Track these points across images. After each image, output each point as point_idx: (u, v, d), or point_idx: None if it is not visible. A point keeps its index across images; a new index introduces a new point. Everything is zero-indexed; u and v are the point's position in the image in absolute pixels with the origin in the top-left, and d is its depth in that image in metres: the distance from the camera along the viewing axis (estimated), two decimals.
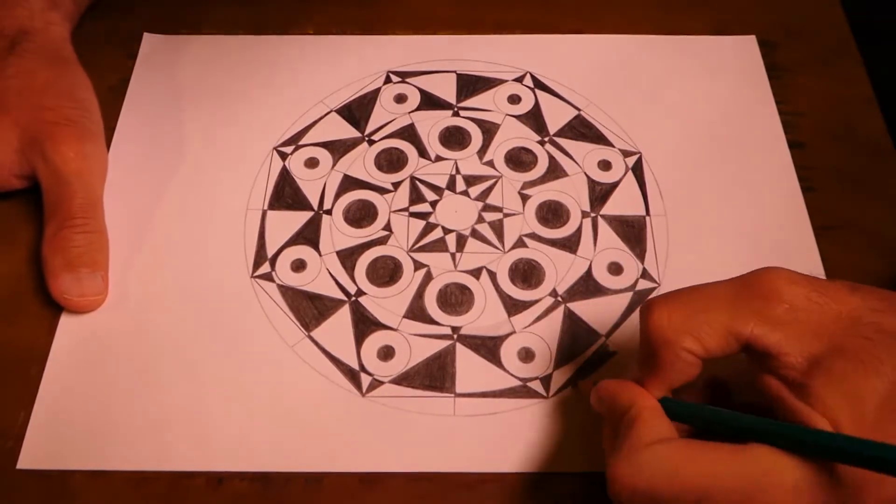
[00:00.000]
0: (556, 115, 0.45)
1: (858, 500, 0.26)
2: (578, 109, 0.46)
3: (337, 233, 0.41)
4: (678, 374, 0.30)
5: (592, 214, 0.42)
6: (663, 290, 0.39)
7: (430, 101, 0.46)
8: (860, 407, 0.26)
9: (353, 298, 0.39)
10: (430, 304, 0.39)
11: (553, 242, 0.41)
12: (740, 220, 0.41)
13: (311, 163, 0.44)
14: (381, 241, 0.41)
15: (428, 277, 0.40)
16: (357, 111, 0.46)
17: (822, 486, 0.26)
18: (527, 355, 0.38)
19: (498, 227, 0.41)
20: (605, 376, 0.37)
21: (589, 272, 0.40)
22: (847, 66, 0.47)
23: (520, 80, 0.47)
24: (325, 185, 0.43)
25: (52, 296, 0.38)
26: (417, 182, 0.43)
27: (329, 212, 0.42)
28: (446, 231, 0.41)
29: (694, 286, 0.30)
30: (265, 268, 0.40)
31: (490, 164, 0.44)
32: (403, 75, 0.47)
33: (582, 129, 0.45)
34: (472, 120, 0.45)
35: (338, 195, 0.43)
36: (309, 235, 0.41)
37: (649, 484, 0.27)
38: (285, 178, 0.43)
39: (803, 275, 0.29)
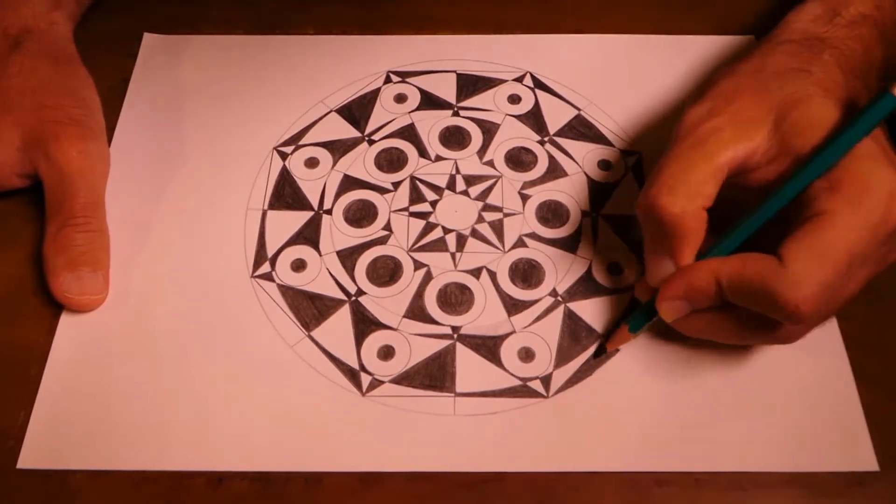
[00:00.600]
0: (556, 115, 0.45)
1: None
2: (578, 109, 0.46)
3: (337, 232, 0.41)
4: (701, 234, 0.33)
5: (592, 214, 0.42)
6: None
7: (430, 101, 0.46)
8: (824, 116, 0.32)
9: (353, 298, 0.39)
10: (430, 304, 0.39)
11: (553, 242, 0.41)
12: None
13: (312, 163, 0.44)
14: (381, 241, 0.41)
15: (428, 277, 0.40)
16: (357, 111, 0.46)
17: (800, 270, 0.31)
18: (527, 355, 0.38)
19: (498, 227, 0.41)
20: (605, 376, 0.37)
21: (589, 272, 0.40)
22: None
23: (520, 79, 0.47)
24: (325, 184, 0.43)
25: (53, 294, 0.38)
26: (417, 182, 0.43)
27: (329, 211, 0.42)
28: (446, 231, 0.41)
29: (664, 163, 0.34)
30: (265, 267, 0.40)
31: (490, 163, 0.44)
32: (403, 75, 0.47)
33: (582, 129, 0.45)
34: (473, 120, 0.45)
35: (338, 195, 0.43)
36: (309, 235, 0.41)
37: (828, 277, 0.30)
38: (285, 178, 0.43)
39: (702, 99, 0.35)
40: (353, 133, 0.45)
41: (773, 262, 0.31)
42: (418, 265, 0.40)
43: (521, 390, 0.37)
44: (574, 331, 0.38)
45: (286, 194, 0.43)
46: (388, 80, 0.47)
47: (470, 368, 0.37)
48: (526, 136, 0.45)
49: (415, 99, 0.46)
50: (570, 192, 0.43)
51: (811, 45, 0.36)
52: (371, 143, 0.45)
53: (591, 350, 0.38)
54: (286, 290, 0.39)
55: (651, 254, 0.35)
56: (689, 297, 0.33)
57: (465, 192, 0.43)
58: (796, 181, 0.32)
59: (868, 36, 0.37)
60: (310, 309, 0.39)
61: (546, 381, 0.37)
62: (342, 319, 0.39)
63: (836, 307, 0.33)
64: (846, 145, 0.31)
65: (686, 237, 0.33)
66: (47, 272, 0.38)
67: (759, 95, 0.34)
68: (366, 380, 0.37)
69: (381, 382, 0.37)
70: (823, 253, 0.30)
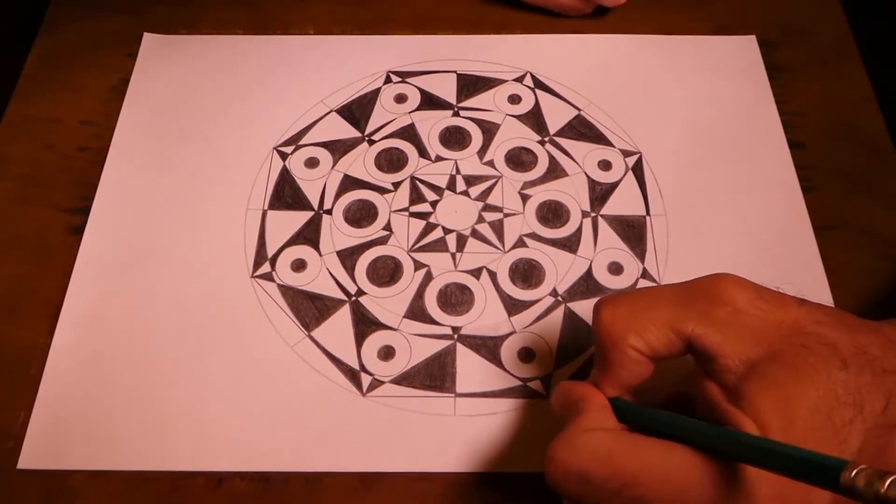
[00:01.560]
0: (557, 115, 0.45)
1: (749, 499, 0.26)
2: (578, 109, 0.46)
3: (337, 233, 0.41)
4: (628, 373, 0.30)
5: (592, 214, 0.42)
6: None
7: (430, 101, 0.46)
8: (790, 413, 0.26)
9: (354, 298, 0.39)
10: (431, 304, 0.39)
11: (553, 242, 0.41)
12: (740, 220, 0.41)
13: (312, 163, 0.44)
14: (382, 241, 0.41)
15: (428, 277, 0.40)
16: (357, 111, 0.46)
17: (721, 486, 0.26)
18: (527, 355, 0.38)
19: (498, 227, 0.41)
20: None
21: (589, 272, 0.40)
22: (847, 66, 0.47)
23: (520, 80, 0.47)
24: (325, 184, 0.43)
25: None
26: (417, 182, 0.43)
27: (329, 212, 0.42)
28: (446, 231, 0.41)
29: (645, 287, 0.31)
30: (265, 268, 0.40)
31: (490, 164, 0.44)
32: (403, 75, 0.47)
33: (582, 129, 0.45)
34: (473, 120, 0.45)
35: (338, 195, 0.43)
36: (309, 235, 0.41)
37: (582, 465, 0.27)
38: (285, 178, 0.43)
39: (752, 282, 0.29)
40: (353, 133, 0.45)
41: (594, 423, 0.29)
42: (418, 265, 0.40)
43: (522, 390, 0.37)
44: (574, 331, 0.38)
45: (286, 194, 0.43)
46: (388, 80, 0.47)
47: (470, 369, 0.37)
48: (526, 136, 0.45)
49: (415, 99, 0.46)
50: (570, 192, 0.43)
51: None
52: (371, 143, 0.45)
53: (592, 350, 0.38)
54: (286, 291, 0.39)
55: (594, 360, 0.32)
56: (562, 399, 0.31)
57: (466, 193, 0.43)
58: (705, 434, 0.27)
59: None
60: (310, 309, 0.39)
61: (546, 381, 0.37)
62: (342, 319, 0.39)
63: None
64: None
65: (608, 367, 0.30)
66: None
67: (781, 328, 0.28)
68: (366, 380, 0.37)
69: (382, 383, 0.37)
70: (616, 458, 0.27)
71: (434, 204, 0.42)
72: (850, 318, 0.29)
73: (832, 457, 0.23)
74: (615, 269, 0.40)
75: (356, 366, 0.37)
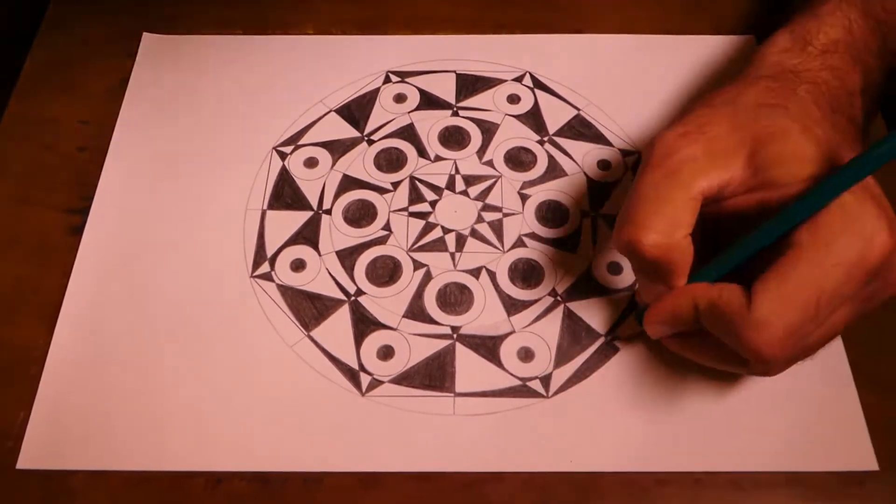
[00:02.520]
0: (556, 115, 0.45)
1: None
2: (578, 109, 0.46)
3: (336, 232, 0.41)
4: (688, 261, 0.32)
5: (592, 214, 0.42)
6: None
7: (429, 101, 0.46)
8: (803, 151, 0.31)
9: (353, 298, 0.39)
10: (430, 304, 0.39)
11: (553, 242, 0.41)
12: None
13: (311, 162, 0.44)
14: (381, 241, 0.41)
15: (427, 277, 0.40)
16: (356, 111, 0.46)
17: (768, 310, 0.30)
18: (526, 355, 0.38)
19: (497, 227, 0.41)
20: (605, 376, 0.37)
21: (589, 272, 0.40)
22: None
23: (519, 79, 0.47)
24: (324, 184, 0.43)
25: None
26: (417, 182, 0.43)
27: (328, 211, 0.42)
28: (446, 231, 0.41)
29: (637, 199, 0.32)
30: (265, 267, 0.40)
31: (489, 163, 0.44)
32: (403, 75, 0.47)
33: (581, 129, 0.45)
34: (472, 120, 0.45)
35: (337, 195, 0.43)
36: (308, 235, 0.41)
37: (789, 323, 0.29)
38: (285, 178, 0.43)
39: (675, 123, 0.33)
40: (352, 133, 0.45)
41: (743, 301, 0.30)
42: (418, 265, 0.40)
43: (521, 390, 0.37)
44: (574, 331, 0.38)
45: (285, 194, 0.43)
46: (387, 80, 0.47)
47: (469, 368, 0.37)
48: (525, 136, 0.45)
49: (414, 99, 0.46)
50: (569, 191, 0.43)
51: (785, 79, 0.35)
52: (370, 143, 0.45)
53: (592, 350, 0.38)
54: (285, 290, 0.39)
55: (640, 280, 0.34)
56: (671, 321, 0.33)
57: (465, 192, 0.43)
58: (783, 219, 0.30)
59: (842, 64, 0.36)
60: (309, 309, 0.39)
61: (546, 381, 0.37)
62: (342, 319, 0.39)
63: (811, 347, 0.31)
64: (837, 189, 0.30)
65: (672, 269, 0.32)
66: None
67: (734, 126, 0.33)
68: (365, 380, 0.37)
69: (381, 382, 0.37)
70: (790, 295, 0.29)
71: (433, 204, 0.42)
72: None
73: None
74: (614, 268, 0.40)
75: (355, 365, 0.37)
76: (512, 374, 0.37)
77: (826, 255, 0.29)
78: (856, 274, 0.29)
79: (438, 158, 0.44)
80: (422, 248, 0.41)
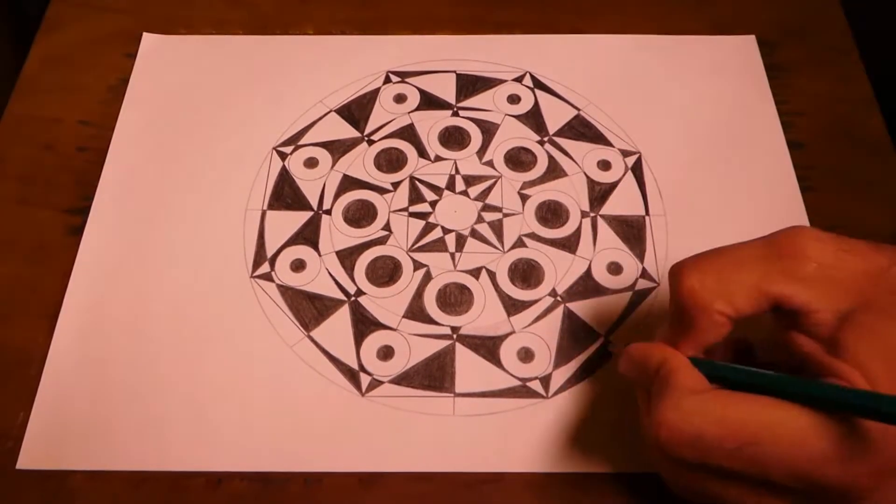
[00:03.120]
0: (556, 115, 0.45)
1: (877, 455, 0.26)
2: (578, 109, 0.46)
3: (336, 233, 0.41)
4: (710, 335, 0.30)
5: (592, 214, 0.42)
6: (663, 291, 0.39)
7: (429, 101, 0.46)
8: (892, 357, 0.27)
9: (353, 298, 0.39)
10: (430, 304, 0.39)
11: (552, 242, 0.41)
12: (740, 220, 0.41)
13: (311, 163, 0.44)
14: (381, 241, 0.41)
15: (427, 277, 0.40)
16: (357, 111, 0.46)
17: (842, 442, 0.26)
18: (526, 355, 0.38)
19: (497, 227, 0.41)
20: (605, 376, 0.37)
21: (588, 272, 0.40)
22: (847, 66, 0.47)
23: (519, 79, 0.47)
24: (324, 184, 0.43)
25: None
26: (417, 182, 0.43)
27: (328, 212, 0.42)
28: (446, 231, 0.41)
29: (721, 248, 0.30)
30: (265, 268, 0.40)
31: (489, 164, 0.44)
32: (403, 75, 0.47)
33: (581, 129, 0.45)
34: (472, 120, 0.45)
35: (337, 195, 0.43)
36: (308, 235, 0.41)
37: (696, 428, 0.27)
38: (285, 178, 0.43)
39: (828, 233, 0.29)
40: (352, 133, 0.45)
41: (692, 385, 0.28)
42: (418, 265, 0.40)
43: (521, 390, 0.37)
44: (573, 331, 0.38)
45: (285, 194, 0.43)
46: (387, 80, 0.47)
47: (469, 369, 0.37)
48: (525, 137, 0.45)
49: (414, 99, 0.46)
50: (569, 192, 0.43)
51: None
52: (370, 143, 0.45)
53: (592, 350, 0.37)
54: (285, 291, 0.39)
55: (668, 320, 0.32)
56: (639, 364, 0.31)
57: (465, 193, 0.43)
58: (805, 386, 0.27)
59: None
60: (309, 309, 0.39)
61: (545, 381, 0.37)
62: (342, 320, 0.39)
63: (697, 491, 0.29)
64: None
65: (691, 330, 0.30)
66: None
67: (873, 276, 0.29)
68: (365, 380, 0.37)
69: (381, 383, 0.37)
70: (729, 418, 0.27)
71: (433, 204, 0.42)
72: None
73: None
74: (614, 269, 0.40)
75: (355, 366, 0.37)
76: (512, 375, 0.37)
77: (791, 425, 0.26)
78: (795, 469, 0.26)
79: (438, 158, 0.44)
80: (422, 249, 0.41)
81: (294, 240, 0.41)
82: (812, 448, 0.26)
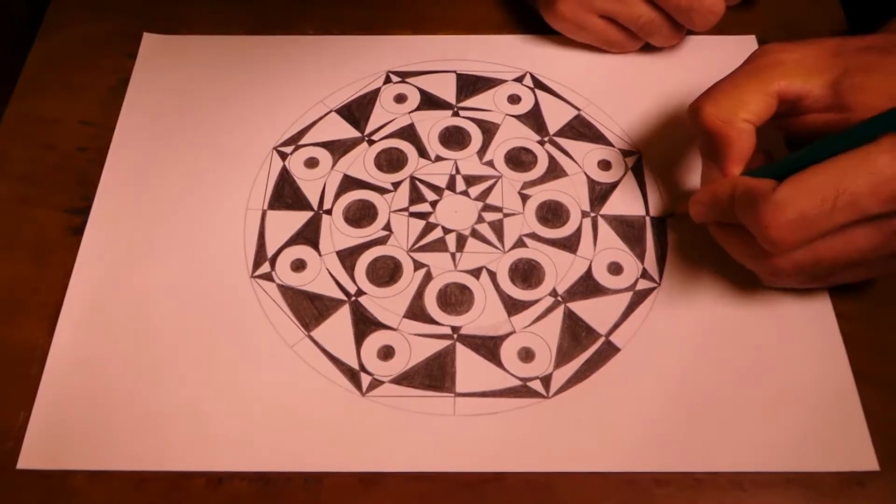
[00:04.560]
0: (556, 115, 0.45)
1: None
2: (578, 109, 0.46)
3: (337, 233, 0.41)
4: (744, 146, 0.35)
5: (592, 214, 0.42)
6: (663, 291, 0.39)
7: (429, 101, 0.46)
8: (890, 90, 0.33)
9: (353, 298, 0.39)
10: (430, 304, 0.39)
11: (553, 242, 0.41)
12: None
13: (311, 163, 0.44)
14: (381, 241, 0.41)
15: (428, 277, 0.40)
16: (357, 111, 0.46)
17: None
18: (527, 355, 0.38)
19: (498, 227, 0.41)
20: (605, 376, 0.37)
21: (589, 272, 0.40)
22: None
23: (520, 80, 0.47)
24: (324, 184, 0.43)
25: None
26: (417, 182, 0.43)
27: (329, 212, 0.42)
28: (446, 231, 0.41)
29: (720, 80, 0.36)
30: (265, 268, 0.40)
31: (490, 164, 0.44)
32: (403, 75, 0.47)
33: (582, 129, 0.45)
34: (472, 120, 0.45)
35: (338, 195, 0.43)
36: (309, 235, 0.41)
37: (796, 209, 0.31)
38: (285, 178, 0.43)
39: (786, 42, 0.36)
40: (352, 133, 0.45)
41: (771, 188, 0.32)
42: (418, 265, 0.40)
43: (521, 390, 0.37)
44: (574, 331, 0.38)
45: (286, 194, 0.43)
46: (387, 81, 0.47)
47: (470, 368, 0.37)
48: (526, 137, 0.45)
49: (415, 99, 0.46)
50: (570, 192, 0.43)
51: None
52: (371, 143, 0.45)
53: (592, 350, 0.38)
54: (286, 291, 0.39)
55: (704, 160, 0.38)
56: (711, 202, 0.36)
57: (465, 193, 0.43)
58: (840, 139, 0.32)
59: None
60: (310, 309, 0.39)
61: (546, 381, 0.37)
62: (342, 319, 0.39)
63: (821, 260, 0.33)
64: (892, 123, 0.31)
65: (728, 148, 0.35)
66: None
67: (834, 53, 0.36)
68: (366, 380, 0.37)
69: (381, 382, 0.37)
70: (811, 185, 0.31)
71: (434, 204, 0.42)
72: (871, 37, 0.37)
73: None
74: (615, 269, 0.40)
75: (356, 366, 0.37)
76: (512, 375, 0.37)
77: (862, 162, 0.31)
78: (884, 192, 0.30)
79: (439, 158, 0.44)
80: (422, 249, 0.41)
81: (294, 240, 0.41)
82: (882, 166, 0.30)
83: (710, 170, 0.37)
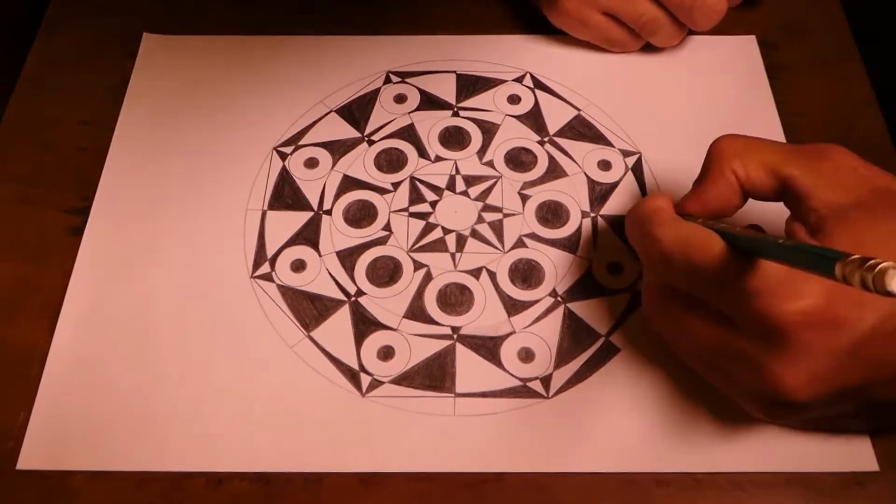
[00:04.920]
0: (556, 115, 0.45)
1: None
2: (578, 109, 0.46)
3: (337, 233, 0.41)
4: (719, 193, 0.33)
5: (592, 214, 0.42)
6: None
7: (429, 102, 0.46)
8: (860, 241, 0.29)
9: (353, 298, 0.39)
10: (430, 304, 0.39)
11: (553, 242, 0.41)
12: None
13: (311, 163, 0.44)
14: (381, 242, 0.41)
15: (428, 277, 0.40)
16: (357, 111, 0.46)
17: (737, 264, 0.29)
18: (527, 355, 0.38)
19: (498, 228, 0.41)
20: (605, 376, 0.37)
21: (589, 272, 0.40)
22: (847, 66, 0.47)
23: (519, 80, 0.47)
24: (324, 185, 0.43)
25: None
26: (417, 182, 0.43)
27: (329, 212, 0.42)
28: (446, 231, 0.41)
29: (768, 139, 0.34)
30: (265, 268, 0.40)
31: (490, 164, 0.44)
32: (403, 75, 0.47)
33: (582, 129, 0.45)
34: (472, 120, 0.45)
35: (337, 195, 0.43)
36: (309, 235, 0.41)
37: (663, 246, 0.31)
38: (285, 179, 0.43)
39: (860, 157, 0.32)
40: (352, 133, 0.45)
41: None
42: (418, 265, 0.40)
43: (521, 391, 0.37)
44: (574, 331, 0.38)
45: (286, 195, 0.43)
46: (387, 81, 0.47)
47: (470, 369, 0.37)
48: (526, 137, 0.45)
49: (414, 99, 0.46)
50: (570, 192, 0.43)
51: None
52: (371, 143, 0.45)
53: (592, 350, 0.37)
54: (286, 291, 0.39)
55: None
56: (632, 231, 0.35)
57: (465, 193, 0.43)
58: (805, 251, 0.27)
59: None
60: (309, 309, 0.39)
61: (546, 381, 0.37)
62: (342, 320, 0.39)
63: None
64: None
65: (705, 182, 0.34)
66: None
67: (873, 189, 0.31)
68: (366, 380, 0.37)
69: (381, 383, 0.37)
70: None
71: (434, 204, 0.42)
72: None
73: (834, 250, 0.24)
74: (615, 269, 0.40)
75: (356, 366, 0.37)
76: (512, 375, 0.37)
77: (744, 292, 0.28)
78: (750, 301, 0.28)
79: (439, 159, 0.44)
80: (422, 249, 0.41)
81: (294, 240, 0.41)
82: (714, 261, 0.29)
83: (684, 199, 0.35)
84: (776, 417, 0.32)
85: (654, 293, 0.33)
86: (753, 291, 0.28)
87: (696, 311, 0.31)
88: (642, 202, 0.34)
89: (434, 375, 0.37)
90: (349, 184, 0.43)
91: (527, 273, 0.40)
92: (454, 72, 0.47)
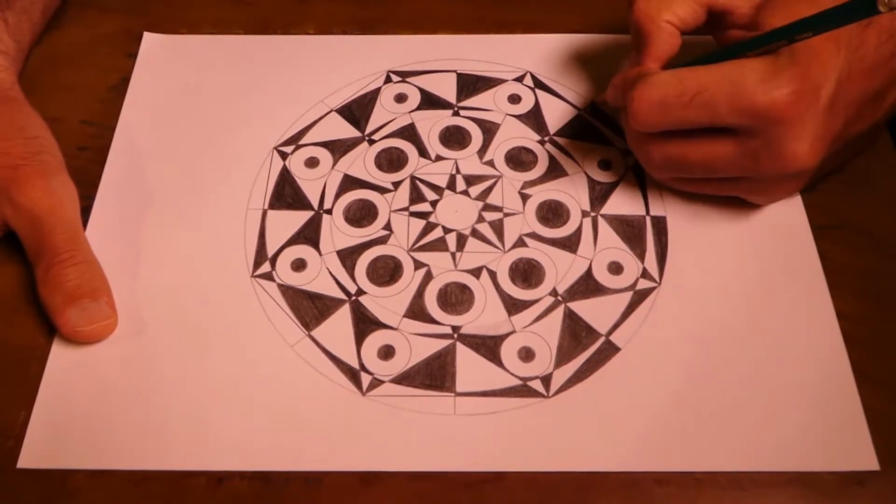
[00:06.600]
0: (556, 115, 0.45)
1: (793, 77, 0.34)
2: (578, 109, 0.46)
3: (337, 232, 0.41)
4: (664, 45, 0.39)
5: (592, 214, 0.42)
6: (663, 290, 0.39)
7: (430, 101, 0.46)
8: (794, 15, 0.34)
9: (354, 298, 0.39)
10: (431, 304, 0.39)
11: (553, 242, 0.41)
12: (740, 220, 0.41)
13: (312, 162, 0.44)
14: (382, 241, 0.41)
15: (428, 277, 0.40)
16: (357, 111, 0.46)
17: (770, 62, 0.34)
18: (527, 355, 0.38)
19: (498, 227, 0.41)
20: (605, 376, 0.37)
21: (589, 272, 0.40)
22: None
23: (520, 79, 0.47)
24: (325, 184, 0.43)
25: (63, 334, 0.37)
26: (417, 182, 0.43)
27: (329, 211, 0.42)
28: (446, 230, 0.41)
29: None
30: (265, 267, 0.40)
31: (490, 163, 0.44)
32: (403, 75, 0.47)
33: (582, 129, 0.45)
34: (473, 119, 0.45)
35: (338, 195, 0.43)
36: (309, 235, 0.41)
37: (659, 92, 0.35)
38: (285, 178, 0.43)
39: None
40: (353, 133, 0.45)
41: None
42: (418, 265, 0.40)
43: (522, 390, 0.37)
44: (574, 330, 0.38)
45: (286, 194, 0.43)
46: (388, 80, 0.47)
47: (470, 368, 0.37)
48: (526, 136, 0.45)
49: (415, 99, 0.46)
50: (570, 191, 0.43)
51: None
52: (371, 142, 0.45)
53: (592, 350, 0.38)
54: (286, 290, 0.39)
55: (631, 53, 0.41)
56: (623, 87, 0.39)
57: (466, 192, 0.43)
58: (742, 46, 0.36)
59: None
60: (310, 309, 0.39)
61: (546, 380, 0.37)
62: (342, 319, 0.39)
63: (683, 152, 0.38)
64: (813, 25, 0.33)
65: (648, 44, 0.39)
66: (51, 314, 0.37)
67: None
68: (366, 379, 0.37)
69: (382, 382, 0.37)
70: (682, 78, 0.36)
71: (434, 203, 0.42)
72: None
73: None
74: (615, 268, 0.40)
75: (356, 365, 0.37)
76: (512, 374, 0.37)
77: (729, 71, 0.34)
78: (738, 102, 0.34)
79: (439, 158, 0.44)
80: (422, 248, 0.41)
81: (295, 239, 0.41)
82: (745, 77, 0.34)
83: (631, 62, 0.40)
84: (793, 190, 0.40)
85: (657, 145, 0.38)
86: (748, 99, 0.34)
87: (700, 139, 0.37)
88: (618, 77, 0.40)
89: (434, 375, 0.37)
90: (350, 183, 0.43)
91: (527, 272, 0.40)
92: (454, 71, 0.47)
